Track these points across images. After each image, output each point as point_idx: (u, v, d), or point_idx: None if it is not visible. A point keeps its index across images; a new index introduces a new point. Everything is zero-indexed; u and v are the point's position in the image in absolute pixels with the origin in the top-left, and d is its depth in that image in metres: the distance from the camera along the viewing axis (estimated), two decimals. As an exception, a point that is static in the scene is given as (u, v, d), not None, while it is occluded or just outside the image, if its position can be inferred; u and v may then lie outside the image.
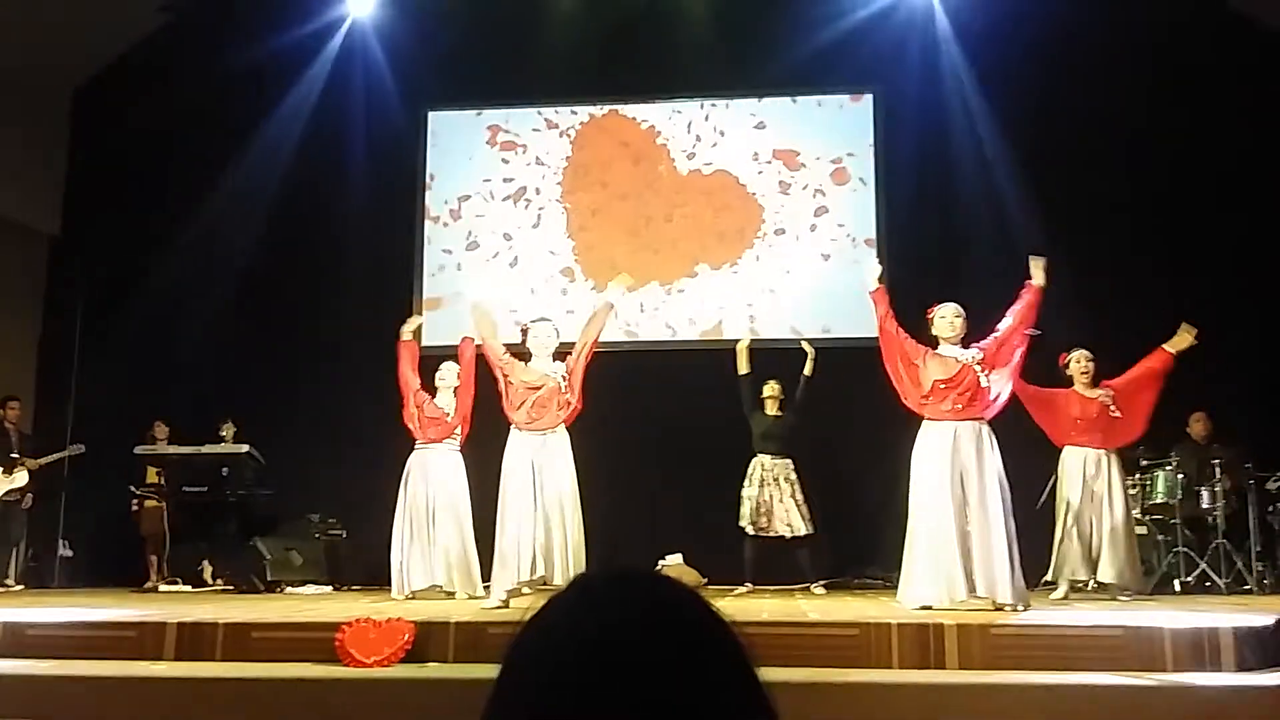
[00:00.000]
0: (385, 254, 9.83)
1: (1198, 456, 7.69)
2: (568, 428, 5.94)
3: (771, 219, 9.74)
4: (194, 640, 4.51)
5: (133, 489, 9.02)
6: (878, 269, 5.92)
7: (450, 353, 7.37)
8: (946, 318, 5.62)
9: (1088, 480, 6.62)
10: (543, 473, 5.79)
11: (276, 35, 9.56)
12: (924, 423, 5.49)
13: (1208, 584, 7.19)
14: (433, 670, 4.24)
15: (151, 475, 9.04)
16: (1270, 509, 7.61)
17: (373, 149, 9.83)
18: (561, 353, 6.18)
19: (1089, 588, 6.76)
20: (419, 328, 7.16)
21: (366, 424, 8.42)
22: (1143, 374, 6.71)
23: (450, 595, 6.76)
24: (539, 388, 5.89)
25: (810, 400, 7.71)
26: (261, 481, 8.59)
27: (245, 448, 8.49)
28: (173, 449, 8.74)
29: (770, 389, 7.82)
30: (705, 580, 7.81)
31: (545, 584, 5.65)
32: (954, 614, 4.78)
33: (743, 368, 7.71)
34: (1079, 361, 6.80)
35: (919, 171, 9.21)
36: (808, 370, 7.71)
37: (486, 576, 6.26)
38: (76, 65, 10.22)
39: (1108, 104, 8.76)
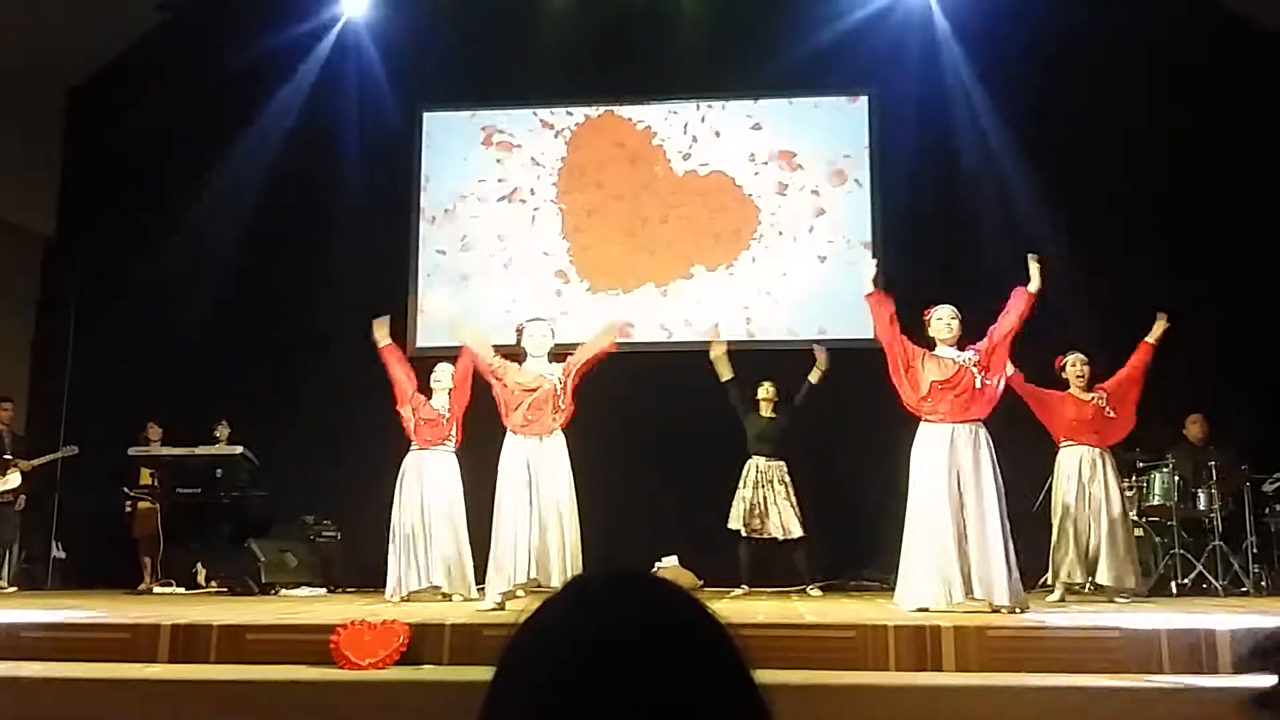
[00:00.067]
0: (380, 255, 9.82)
1: (1194, 458, 7.70)
2: (563, 430, 5.93)
3: (768, 220, 9.73)
4: (188, 642, 4.50)
5: (126, 490, 8.99)
6: (873, 271, 5.90)
7: (444, 354, 7.36)
8: (943, 319, 5.62)
9: (1083, 482, 6.63)
10: (539, 476, 5.78)
11: (271, 35, 9.55)
12: (921, 424, 5.50)
13: (1204, 586, 7.20)
14: (428, 673, 4.23)
15: (145, 477, 9.02)
16: (1267, 511, 7.62)
17: (367, 149, 9.82)
18: (557, 354, 6.18)
19: (1086, 590, 6.76)
20: (389, 329, 7.05)
21: (361, 426, 8.40)
22: (1132, 371, 6.77)
23: (446, 597, 6.74)
24: (534, 389, 5.88)
25: (808, 403, 7.68)
26: (256, 483, 8.57)
27: (239, 449, 8.47)
28: (166, 450, 8.72)
29: (765, 390, 7.80)
30: (701, 582, 7.81)
31: (540, 587, 5.65)
32: (951, 616, 4.77)
33: (725, 374, 7.61)
34: (1074, 365, 6.82)
35: (915, 173, 9.21)
36: (814, 378, 7.59)
37: (481, 579, 6.25)
38: (70, 65, 10.20)
39: (1106, 104, 8.77)
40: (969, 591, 5.17)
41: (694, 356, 9.08)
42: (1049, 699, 3.73)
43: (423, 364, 7.35)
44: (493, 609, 5.52)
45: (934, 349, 5.61)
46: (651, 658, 0.78)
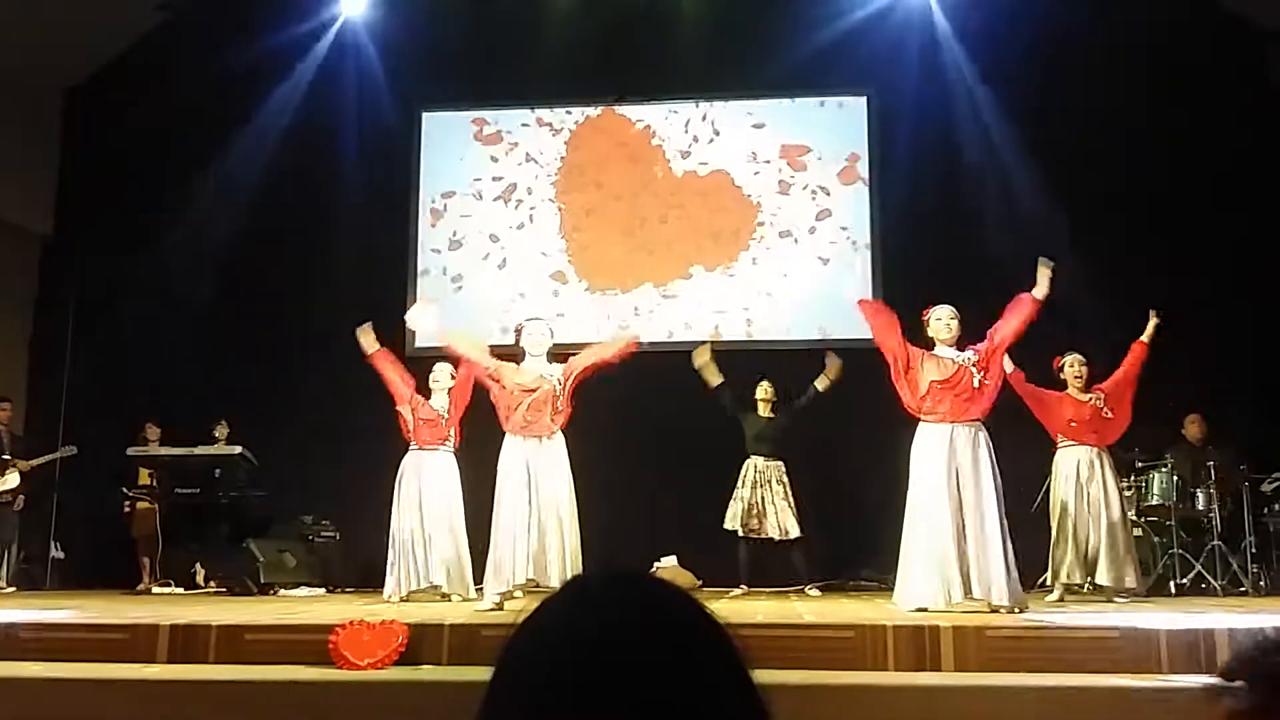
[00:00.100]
0: (378, 254, 9.82)
1: (1193, 458, 7.70)
2: (562, 430, 5.93)
3: (768, 220, 9.73)
4: (187, 642, 4.49)
5: (125, 490, 8.99)
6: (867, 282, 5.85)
7: (441, 354, 7.36)
8: (943, 320, 5.62)
9: (1082, 482, 6.63)
10: (538, 477, 5.78)
11: (269, 36, 9.55)
12: (920, 424, 5.50)
13: (1203, 586, 7.20)
14: (427, 673, 4.23)
15: (144, 477, 9.01)
16: (1265, 511, 7.62)
17: (366, 148, 9.81)
18: (556, 354, 6.17)
19: (1085, 590, 6.77)
20: (374, 336, 7.00)
21: (360, 425, 8.39)
22: (1128, 371, 6.77)
23: (445, 598, 6.74)
24: (534, 390, 5.88)
25: (809, 408, 7.65)
26: (254, 483, 8.57)
27: (238, 449, 8.47)
28: (165, 450, 8.71)
29: (763, 391, 7.79)
30: (700, 582, 7.81)
31: (539, 587, 5.65)
32: (950, 616, 4.77)
33: (713, 380, 7.56)
34: (1073, 366, 6.82)
35: (915, 172, 9.21)
36: (822, 386, 7.53)
37: (479, 580, 6.25)
38: (68, 65, 10.19)
39: (1105, 104, 8.77)
40: (968, 591, 5.17)
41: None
42: (1048, 699, 3.73)
43: (421, 364, 7.34)
44: (491, 609, 5.52)
45: (933, 349, 5.61)
46: (650, 658, 0.78)
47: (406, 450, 7.06)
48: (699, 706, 0.78)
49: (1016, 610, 5.12)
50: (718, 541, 7.63)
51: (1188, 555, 7.32)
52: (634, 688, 0.77)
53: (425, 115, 10.20)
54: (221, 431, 8.86)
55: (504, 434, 5.93)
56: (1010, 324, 5.59)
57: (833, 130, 9.82)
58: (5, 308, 10.05)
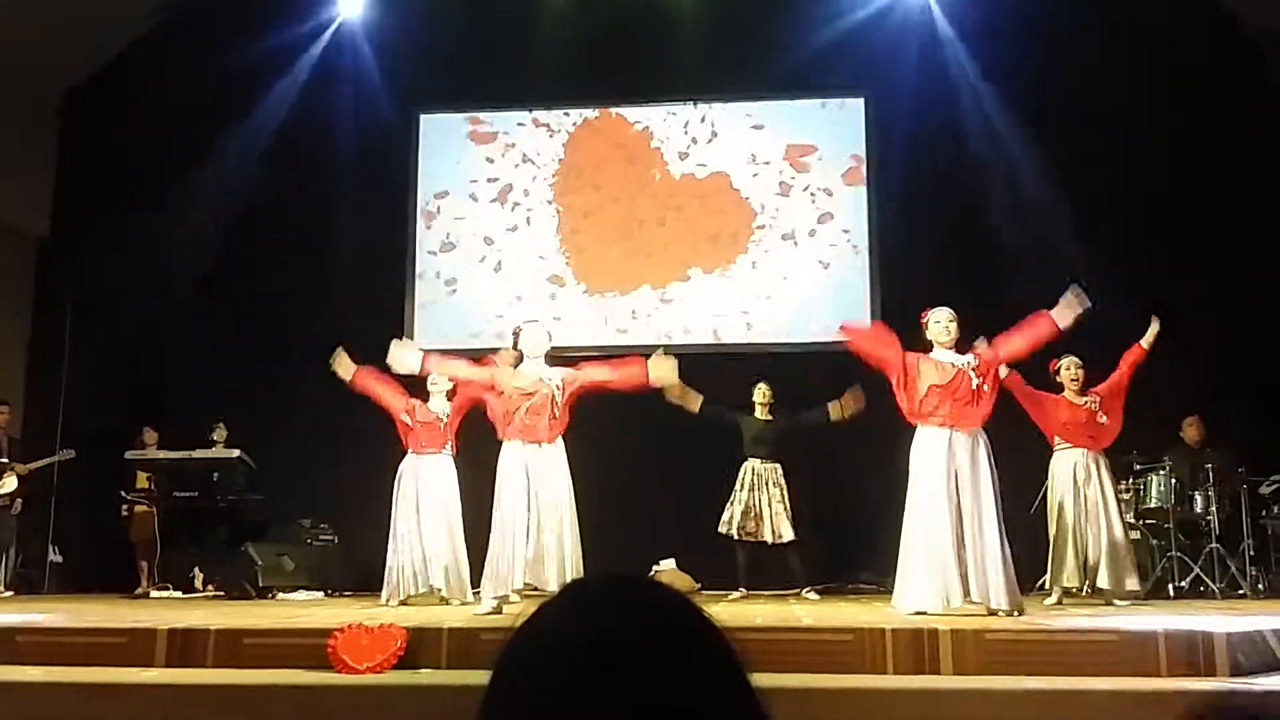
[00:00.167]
0: (377, 256, 9.82)
1: (1191, 461, 7.70)
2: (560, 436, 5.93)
3: (767, 222, 9.73)
4: (185, 647, 4.49)
5: (123, 494, 8.98)
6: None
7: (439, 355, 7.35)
8: (941, 322, 5.61)
9: (1079, 485, 6.62)
10: (537, 481, 5.78)
11: (267, 37, 9.54)
12: (919, 428, 5.49)
13: (1202, 589, 7.20)
14: (425, 676, 4.23)
15: (142, 480, 9.00)
16: (1264, 513, 7.62)
17: (364, 150, 9.80)
18: (554, 357, 6.17)
19: (1083, 593, 6.76)
20: (348, 358, 6.87)
21: (358, 428, 8.37)
22: (1124, 375, 6.75)
23: (444, 601, 6.73)
24: (532, 394, 5.88)
25: (810, 424, 7.62)
26: (252, 486, 8.56)
27: (236, 453, 8.46)
28: (163, 454, 8.70)
29: (761, 394, 7.76)
30: (699, 586, 7.80)
31: (536, 591, 5.64)
32: (948, 619, 4.77)
33: (693, 406, 7.34)
34: (1069, 369, 6.81)
35: (912, 175, 9.22)
36: (835, 414, 7.36)
37: (477, 584, 6.24)
38: (65, 66, 10.18)
39: (1105, 104, 8.78)
40: (966, 595, 5.17)
41: (691, 359, 9.08)
42: (1047, 702, 3.73)
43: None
44: (489, 613, 5.51)
45: (931, 351, 5.61)
46: (649, 661, 0.78)
47: (405, 454, 7.05)
48: (697, 710, 0.78)
49: (1015, 613, 5.12)
50: (716, 545, 7.62)
51: (1186, 558, 7.32)
52: (632, 691, 0.77)
53: (423, 117, 10.21)
54: (219, 434, 8.85)
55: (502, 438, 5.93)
56: (1020, 342, 5.56)
57: (832, 132, 9.82)
58: (3, 309, 10.04)
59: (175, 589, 8.60)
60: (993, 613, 5.11)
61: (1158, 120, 8.77)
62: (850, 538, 8.26)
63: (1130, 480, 7.64)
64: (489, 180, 10.08)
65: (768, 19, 9.53)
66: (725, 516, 7.51)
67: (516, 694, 0.80)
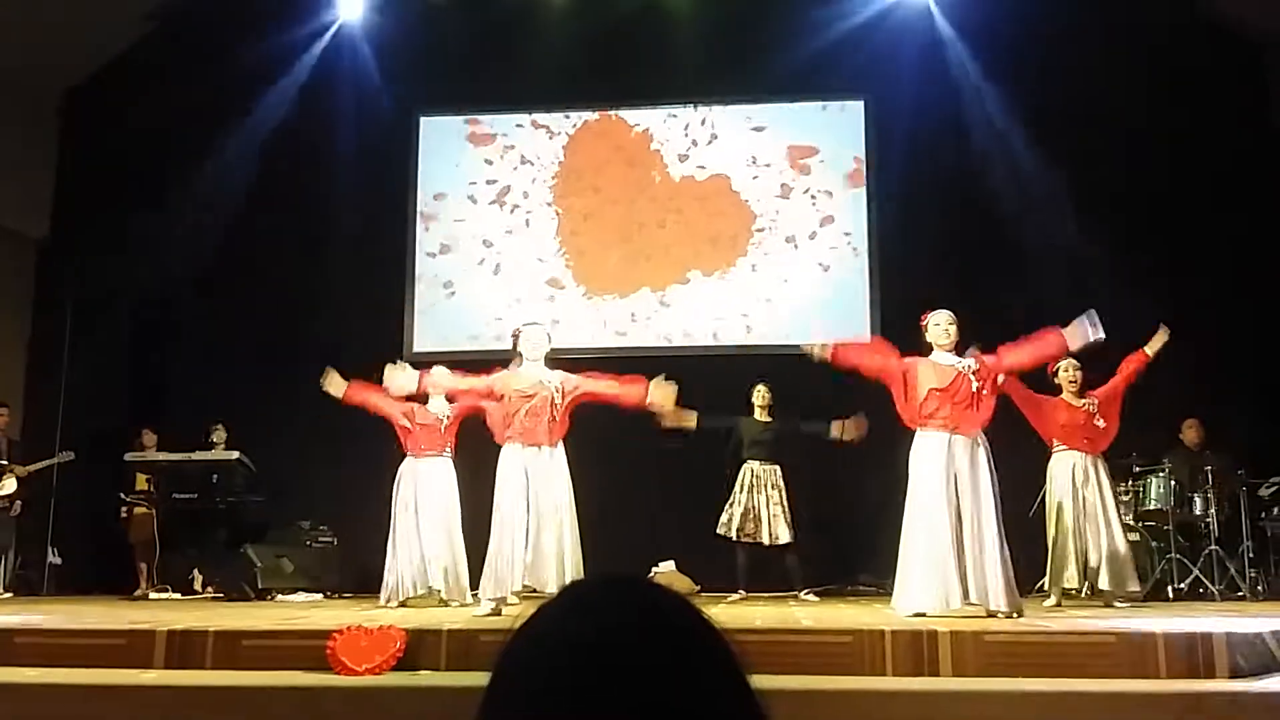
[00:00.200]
0: (376, 258, 9.82)
1: (1190, 463, 7.71)
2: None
3: (767, 226, 9.73)
4: (184, 648, 4.48)
5: (122, 496, 8.98)
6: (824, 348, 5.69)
7: (438, 358, 7.34)
8: (940, 325, 5.60)
9: (1077, 487, 6.61)
10: (537, 483, 5.78)
11: (266, 40, 9.54)
12: (919, 431, 5.49)
13: (1201, 591, 7.20)
14: (425, 678, 4.22)
15: (141, 482, 9.00)
16: (1263, 515, 7.62)
17: (364, 152, 9.80)
18: (554, 359, 6.17)
19: (1082, 594, 6.76)
20: (336, 375, 6.87)
21: (357, 430, 8.35)
22: (1124, 380, 6.73)
23: (443, 603, 6.73)
24: (531, 396, 5.88)
25: (805, 434, 7.59)
26: (252, 488, 8.55)
27: (235, 454, 8.46)
28: (162, 455, 8.70)
29: (760, 396, 7.76)
30: (698, 587, 7.80)
31: (535, 593, 5.64)
32: (947, 621, 4.77)
33: (690, 424, 7.28)
34: (1067, 370, 6.80)
35: (912, 176, 9.22)
36: (835, 433, 7.32)
37: (475, 585, 6.24)
38: (65, 66, 10.18)
39: (1106, 105, 8.79)
40: (966, 597, 5.17)
41: (690, 361, 9.10)
42: (1046, 703, 3.73)
43: (418, 368, 7.31)
44: (488, 614, 5.51)
45: (930, 354, 5.61)
46: (648, 662, 0.78)
47: (404, 456, 7.05)
48: (697, 711, 0.78)
49: (1014, 615, 5.12)
50: (715, 546, 7.62)
51: (1185, 560, 7.33)
52: (632, 692, 0.77)
53: (423, 119, 10.21)
54: (219, 436, 8.85)
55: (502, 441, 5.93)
56: (1023, 355, 5.58)
57: (832, 134, 9.82)
58: (3, 310, 10.04)
59: (174, 590, 8.60)
60: (992, 614, 5.11)
61: (1158, 121, 8.78)
62: (850, 539, 8.26)
63: (1129, 482, 7.65)
64: (488, 182, 10.09)
65: (767, 21, 9.54)
66: (724, 518, 7.52)
67: (516, 695, 0.80)
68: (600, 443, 7.34)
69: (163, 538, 8.76)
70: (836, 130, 9.82)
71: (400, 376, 6.42)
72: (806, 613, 5.98)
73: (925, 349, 5.64)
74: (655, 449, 8.65)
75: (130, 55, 10.23)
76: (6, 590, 8.56)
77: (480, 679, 0.83)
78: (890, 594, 5.58)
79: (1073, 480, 6.61)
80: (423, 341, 9.72)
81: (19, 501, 8.71)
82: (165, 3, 9.96)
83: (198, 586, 8.67)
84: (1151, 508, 7.56)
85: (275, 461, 8.62)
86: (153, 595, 8.50)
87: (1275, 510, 7.66)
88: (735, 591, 7.44)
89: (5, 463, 8.67)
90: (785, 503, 7.52)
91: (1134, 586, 6.55)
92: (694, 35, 9.59)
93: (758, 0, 9.66)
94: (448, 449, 6.99)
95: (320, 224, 9.66)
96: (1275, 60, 9.01)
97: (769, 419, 7.73)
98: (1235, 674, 3.94)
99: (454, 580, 6.80)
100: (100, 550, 9.24)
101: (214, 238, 9.54)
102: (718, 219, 9.79)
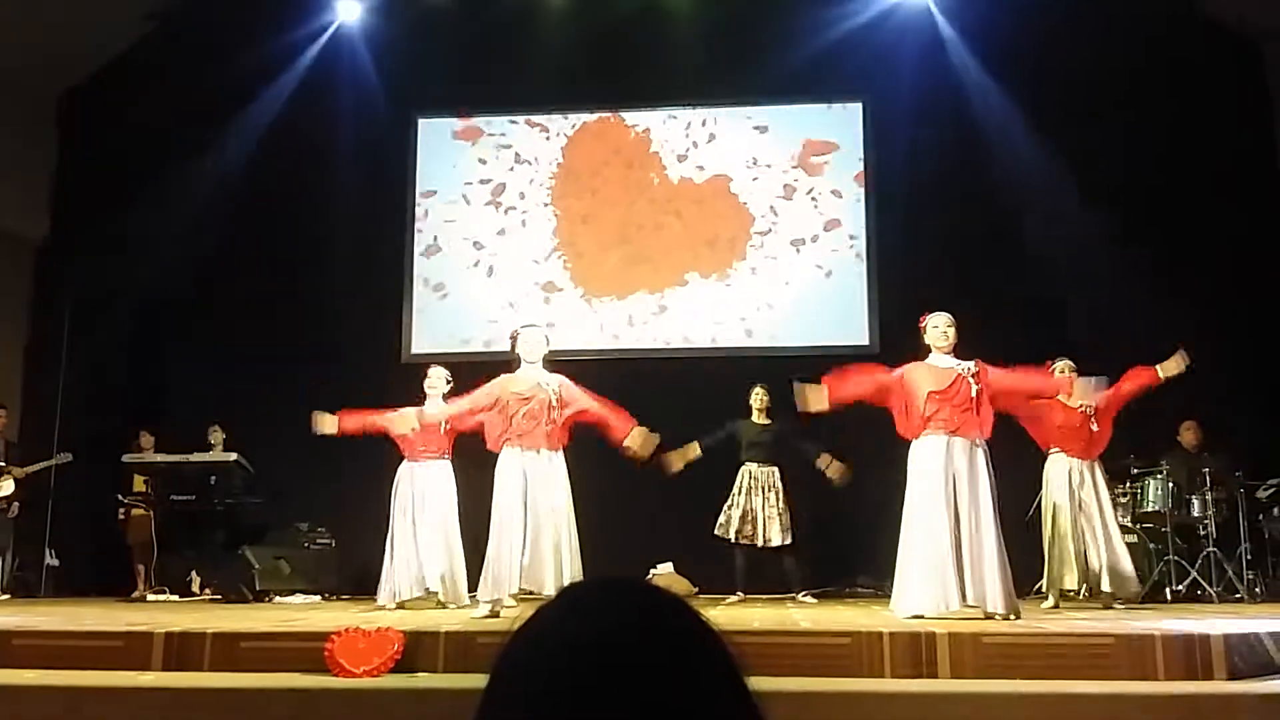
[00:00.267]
0: (375, 260, 9.82)
1: (1188, 465, 7.71)
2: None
3: (766, 227, 9.73)
4: (182, 650, 4.48)
5: (120, 497, 8.97)
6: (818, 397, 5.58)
7: (437, 359, 7.34)
8: (939, 327, 5.60)
9: (1073, 489, 6.62)
10: (536, 486, 5.78)
11: (265, 42, 9.56)
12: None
13: (1199, 592, 7.21)
14: (423, 680, 4.22)
15: (139, 483, 8.99)
16: (1261, 517, 7.63)
17: (363, 154, 9.81)
18: (551, 362, 6.18)
19: (1080, 596, 6.76)
20: (326, 417, 6.80)
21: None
22: (1126, 395, 6.70)
23: (441, 605, 6.72)
24: (529, 398, 5.88)
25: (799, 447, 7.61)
26: (250, 490, 8.55)
27: (233, 456, 8.45)
28: (160, 457, 8.69)
29: (758, 399, 7.75)
30: (696, 589, 7.80)
31: (533, 595, 5.64)
32: (945, 623, 4.77)
33: (694, 454, 7.29)
34: (1063, 373, 6.80)
35: (912, 178, 9.22)
36: (823, 465, 7.35)
37: (473, 588, 6.23)
38: (65, 68, 10.18)
39: (1105, 104, 8.79)
40: (964, 599, 5.17)
41: (689, 363, 9.12)
42: (1043, 705, 3.73)
43: (417, 370, 7.32)
44: (486, 616, 5.51)
45: (928, 357, 5.61)
46: (646, 664, 0.78)
47: (402, 458, 7.04)
48: (695, 713, 0.78)
49: (1012, 617, 5.12)
50: (714, 548, 7.62)
51: (1183, 562, 7.33)
52: (630, 694, 0.77)
53: (420, 120, 10.21)
54: (217, 437, 8.85)
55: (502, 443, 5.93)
56: (1016, 382, 5.66)
57: (832, 135, 9.82)
58: (1, 311, 10.03)
59: (172, 592, 8.59)
60: (990, 616, 5.11)
61: (1158, 120, 8.79)
62: (848, 541, 8.26)
63: (1128, 484, 7.65)
64: (483, 183, 10.09)
65: (767, 21, 9.54)
66: (722, 520, 7.52)
67: (514, 697, 0.80)
68: (600, 443, 7.33)
69: (160, 539, 8.76)
70: (836, 132, 9.82)
71: (400, 423, 6.66)
72: (804, 614, 5.97)
73: (924, 351, 5.64)
74: (654, 450, 8.65)
75: (130, 55, 10.22)
76: (4, 592, 8.55)
77: (478, 681, 0.83)
78: (888, 596, 5.58)
79: (1069, 482, 6.61)
80: (421, 343, 9.73)
81: (17, 503, 8.71)
82: (165, 3, 9.96)
83: (195, 588, 8.66)
84: (1149, 509, 7.56)
85: (273, 463, 8.61)
86: (150, 597, 8.50)
87: (1274, 512, 7.67)
88: (733, 593, 7.44)
89: (3, 464, 8.66)
90: (782, 504, 7.52)
91: (1129, 589, 6.55)
92: (693, 36, 9.59)
93: (757, 1, 9.67)
94: (446, 452, 6.98)
95: (318, 225, 9.66)
96: (1274, 55, 9.01)
97: (767, 421, 7.73)
98: (1233, 676, 3.94)
99: (451, 583, 6.79)
100: (98, 552, 9.23)
101: (212, 238, 9.54)
102: (716, 221, 9.79)
